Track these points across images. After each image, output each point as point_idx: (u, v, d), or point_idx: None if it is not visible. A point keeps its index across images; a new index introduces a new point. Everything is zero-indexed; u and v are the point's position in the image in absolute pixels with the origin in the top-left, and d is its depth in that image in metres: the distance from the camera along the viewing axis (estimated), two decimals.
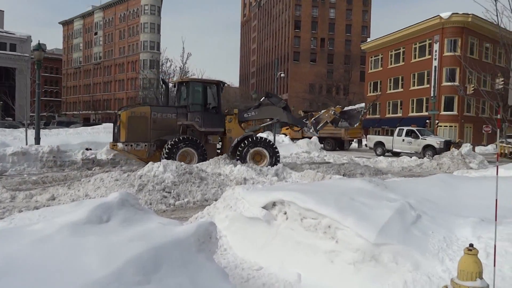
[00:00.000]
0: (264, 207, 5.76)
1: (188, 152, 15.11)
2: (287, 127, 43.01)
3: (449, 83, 46.37)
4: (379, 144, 29.86)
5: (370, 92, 61.04)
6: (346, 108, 18.97)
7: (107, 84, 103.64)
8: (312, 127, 17.64)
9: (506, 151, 27.99)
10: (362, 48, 66.71)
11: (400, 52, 55.60)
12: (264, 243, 5.62)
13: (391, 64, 57.51)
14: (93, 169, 15.65)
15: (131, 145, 15.12)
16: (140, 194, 9.97)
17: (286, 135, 35.64)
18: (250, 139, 16.01)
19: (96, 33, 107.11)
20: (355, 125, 18.96)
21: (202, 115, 15.86)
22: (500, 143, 27.59)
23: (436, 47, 48.24)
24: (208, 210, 6.80)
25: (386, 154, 28.44)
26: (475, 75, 44.56)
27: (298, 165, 18.97)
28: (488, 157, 26.11)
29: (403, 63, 54.89)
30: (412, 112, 51.53)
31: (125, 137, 15.15)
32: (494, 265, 3.78)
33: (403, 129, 27.98)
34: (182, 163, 12.47)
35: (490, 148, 36.72)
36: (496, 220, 4.00)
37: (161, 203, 9.77)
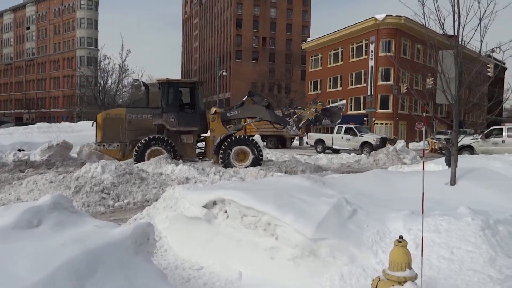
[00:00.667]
0: (204, 206, 5.75)
1: (159, 151, 15.28)
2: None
3: (384, 83, 48.38)
4: (320, 141, 30.57)
5: (310, 91, 62.38)
6: (327, 106, 19.19)
7: (41, 81, 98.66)
8: (294, 125, 17.74)
9: (436, 147, 29.56)
10: (302, 47, 68.00)
11: (338, 52, 57.22)
12: (205, 242, 5.61)
13: (330, 63, 59.05)
14: (26, 171, 14.86)
15: (104, 145, 15.72)
16: (77, 196, 9.62)
17: None
18: (232, 138, 16.10)
19: (28, 28, 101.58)
20: (337, 122, 19.17)
21: (177, 115, 15.92)
22: (431, 139, 29.14)
23: (372, 47, 50.10)
24: (148, 210, 6.68)
25: (327, 151, 29.18)
26: (407, 75, 46.86)
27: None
28: (420, 153, 27.50)
29: (341, 62, 56.53)
30: (351, 110, 53.24)
31: (100, 137, 15.78)
32: (422, 255, 4.00)
33: (342, 126, 28.79)
34: (122, 163, 12.17)
35: (422, 144, 38.67)
36: (423, 212, 4.23)
37: (99, 205, 9.47)
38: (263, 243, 5.06)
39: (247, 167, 15.62)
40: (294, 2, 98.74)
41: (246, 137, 16.43)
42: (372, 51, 50.04)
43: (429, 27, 7.05)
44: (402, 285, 3.60)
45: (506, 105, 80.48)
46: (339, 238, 4.72)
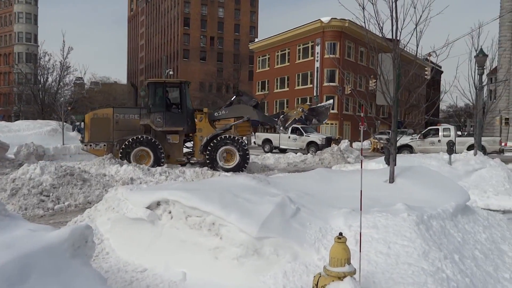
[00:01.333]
0: (148, 207, 5.65)
1: (144, 151, 15.50)
2: None
3: (330, 84, 49.58)
4: (267, 141, 30.87)
5: (258, 91, 62.77)
6: (314, 106, 19.16)
7: None
8: (281, 125, 17.65)
9: (378, 146, 30.65)
10: (250, 48, 68.31)
11: (285, 53, 57.98)
12: (148, 244, 5.52)
13: (277, 64, 59.72)
14: None
15: (90, 145, 15.91)
16: (13, 199, 9.17)
17: None
18: (219, 138, 15.99)
19: None
20: (324, 122, 19.19)
21: (164, 115, 15.90)
22: (373, 139, 30.16)
23: (317, 49, 51.17)
24: (88, 213, 6.47)
25: (274, 150, 29.50)
26: (351, 77, 48.31)
27: (189, 164, 18.87)
28: (363, 152, 28.38)
29: (288, 63, 57.32)
30: None
31: (88, 137, 15.98)
32: (360, 251, 4.14)
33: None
34: (62, 164, 11.75)
35: (366, 143, 40.02)
36: (361, 210, 4.38)
37: (38, 208, 9.09)
38: (207, 243, 5.05)
39: (233, 167, 15.72)
40: (242, 3, 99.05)
41: (234, 137, 16.23)
42: (318, 53, 51.11)
43: (369, 30, 7.31)
44: (342, 280, 3.72)
45: (442, 106, 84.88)
46: (283, 237, 4.79)
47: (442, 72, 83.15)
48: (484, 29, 54.32)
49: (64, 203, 9.56)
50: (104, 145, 15.90)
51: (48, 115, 37.61)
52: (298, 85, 55.45)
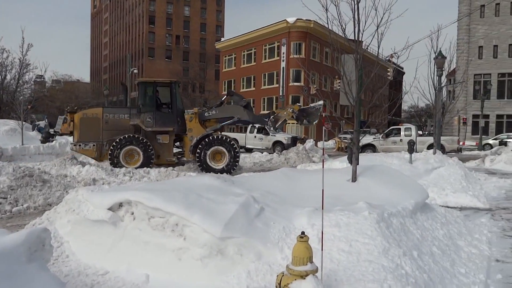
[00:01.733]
0: (110, 209, 5.54)
1: (134, 151, 15.41)
2: None
3: (296, 84, 50.01)
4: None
5: (224, 91, 62.57)
6: (305, 106, 19.05)
7: None
8: (272, 125, 17.55)
9: (342, 146, 31.13)
10: (216, 47, 68.08)
11: (252, 52, 58.10)
12: (110, 246, 5.42)
13: (243, 63, 59.77)
14: None
15: (80, 145, 15.75)
16: None
17: None
18: (210, 138, 15.88)
19: None
20: (314, 123, 19.13)
21: (154, 115, 15.77)
22: (337, 138, 30.64)
23: (283, 49, 51.52)
24: (48, 215, 6.28)
25: (240, 150, 29.46)
26: (317, 77, 48.85)
27: (152, 164, 18.62)
28: (328, 151, 28.85)
29: (254, 63, 57.46)
30: (264, 110, 54.31)
31: (77, 137, 15.82)
32: (322, 249, 4.20)
33: (255, 126, 29.27)
34: (21, 165, 11.39)
35: (331, 143, 40.59)
36: (322, 209, 4.44)
37: None
38: (171, 244, 5.00)
39: (223, 167, 15.64)
40: (208, 2, 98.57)
41: (224, 137, 16.17)
42: (283, 53, 51.45)
43: (333, 31, 7.42)
44: (304, 278, 3.76)
45: (404, 106, 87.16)
46: (247, 236, 4.80)
47: (404, 73, 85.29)
48: (442, 32, 55.96)
49: (22, 205, 9.26)
50: (94, 145, 15.78)
51: (6, 114, 36.29)
52: (264, 85, 55.66)
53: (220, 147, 15.91)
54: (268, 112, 18.02)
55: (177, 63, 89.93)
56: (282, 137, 28.18)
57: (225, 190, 6.11)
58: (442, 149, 23.04)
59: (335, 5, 7.11)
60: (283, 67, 51.30)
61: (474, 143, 42.95)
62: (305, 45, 51.06)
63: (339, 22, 7.24)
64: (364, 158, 11.95)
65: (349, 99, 7.53)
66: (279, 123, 17.62)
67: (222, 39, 67.17)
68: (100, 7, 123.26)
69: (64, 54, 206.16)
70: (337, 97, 27.87)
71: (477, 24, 50.74)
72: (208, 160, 15.73)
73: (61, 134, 35.64)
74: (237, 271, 4.58)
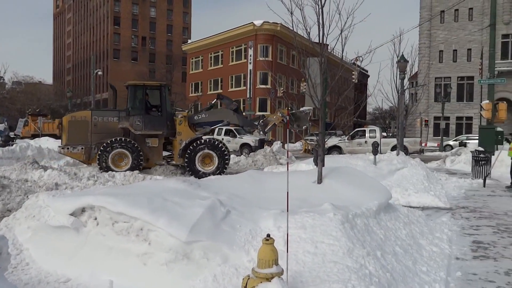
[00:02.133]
0: (72, 214, 5.40)
1: (123, 154, 15.27)
2: None
3: (263, 86, 50.24)
4: None
5: (191, 93, 62.29)
6: (294, 111, 18.89)
7: None
8: (261, 129, 17.36)
9: (309, 147, 31.44)
10: (183, 49, 67.62)
11: (219, 55, 58.03)
12: (73, 252, 5.28)
13: (211, 66, 59.61)
14: None
15: (68, 148, 15.62)
16: None
17: None
18: (198, 142, 15.70)
19: None
20: (304, 127, 18.95)
21: (143, 118, 15.67)
22: (304, 140, 30.93)
23: (250, 52, 51.70)
24: (6, 221, 6.06)
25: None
26: (284, 80, 49.20)
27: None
28: (295, 153, 29.09)
29: (221, 65, 57.41)
30: None
31: (65, 140, 15.74)
32: (287, 251, 4.23)
33: (223, 128, 29.20)
34: None
35: (298, 145, 40.95)
36: (288, 211, 4.47)
37: None
38: (135, 249, 4.92)
39: (212, 171, 15.44)
40: (175, 3, 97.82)
41: (213, 141, 15.98)
42: (250, 56, 51.63)
43: (298, 34, 7.51)
44: (270, 281, 3.77)
45: (369, 108, 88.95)
46: (213, 240, 4.77)
47: (368, 76, 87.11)
48: (404, 36, 57.52)
49: None
50: (82, 148, 15.65)
51: None
52: (232, 87, 55.65)
53: (209, 151, 15.79)
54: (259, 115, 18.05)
55: (143, 65, 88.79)
56: (249, 139, 28.24)
57: (191, 193, 6.06)
58: (405, 150, 23.63)
59: (300, 9, 7.20)
60: (250, 70, 51.46)
61: (435, 144, 44.25)
62: (272, 48, 51.40)
63: (304, 25, 7.33)
64: (330, 160, 12.11)
65: (314, 102, 7.62)
66: (269, 127, 17.66)
67: (189, 41, 66.85)
68: (63, 7, 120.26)
69: (26, 54, 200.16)
70: (303, 99, 28.16)
71: (438, 29, 52.40)
72: (197, 164, 15.62)
73: (22, 138, 34.55)
74: (203, 275, 4.55)
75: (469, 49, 51.20)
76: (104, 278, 4.81)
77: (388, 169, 12.79)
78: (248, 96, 50.63)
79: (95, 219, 5.31)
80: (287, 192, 4.47)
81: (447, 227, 7.89)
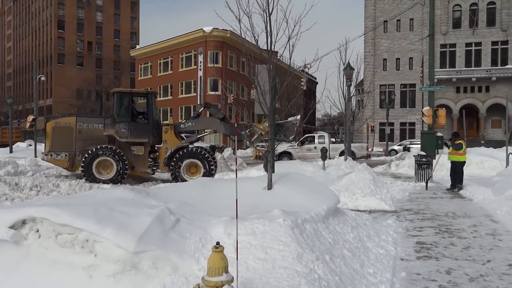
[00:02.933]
0: (12, 227, 5.12)
1: (107, 162, 15.10)
2: None
3: (213, 92, 50.13)
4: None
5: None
6: (280, 121, 18.48)
7: None
8: (247, 139, 17.31)
9: (260, 154, 31.63)
10: (131, 54, 66.32)
11: (168, 61, 57.36)
12: (13, 267, 5.00)
13: (160, 72, 58.80)
14: None
15: (51, 155, 15.44)
16: None
17: None
18: (184, 151, 15.48)
19: None
20: (291, 138, 18.58)
21: (129, 126, 15.51)
22: (256, 146, 31.08)
23: (200, 58, 51.50)
24: None
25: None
26: (234, 86, 49.32)
27: (63, 176, 17.60)
28: (246, 160, 29.18)
29: (171, 71, 56.77)
30: (182, 119, 53.75)
31: (49, 147, 15.59)
32: (237, 259, 4.22)
33: None
34: None
35: (249, 151, 41.10)
36: (237, 217, 4.47)
37: None
38: (80, 262, 4.73)
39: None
40: (122, 8, 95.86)
41: (198, 150, 15.70)
42: (200, 62, 51.43)
43: (247, 41, 7.56)
44: None
45: (318, 115, 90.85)
46: (162, 249, 4.68)
47: (317, 83, 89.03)
48: (350, 45, 59.46)
49: None
50: (66, 155, 15.49)
51: None
52: (182, 94, 55.14)
53: (195, 160, 15.64)
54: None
55: (89, 70, 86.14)
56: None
57: (139, 202, 5.93)
58: (353, 156, 24.29)
59: (248, 17, 7.26)
60: (201, 76, 51.27)
61: (381, 149, 45.85)
62: (222, 54, 51.46)
63: (252, 33, 7.39)
64: (280, 166, 12.26)
65: (263, 109, 7.69)
66: (255, 137, 17.76)
67: (137, 47, 65.67)
68: (2, 9, 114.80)
69: None
70: (253, 106, 28.34)
71: (381, 38, 54.50)
72: (182, 173, 15.47)
73: None
74: (153, 285, 4.45)
75: (411, 58, 53.60)
76: None
77: (337, 174, 13.10)
78: (198, 103, 50.33)
79: (37, 231, 5.07)
80: (236, 200, 4.47)
81: (393, 229, 8.17)
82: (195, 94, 52.25)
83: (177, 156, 15.60)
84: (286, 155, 26.06)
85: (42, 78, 35.52)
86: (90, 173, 14.92)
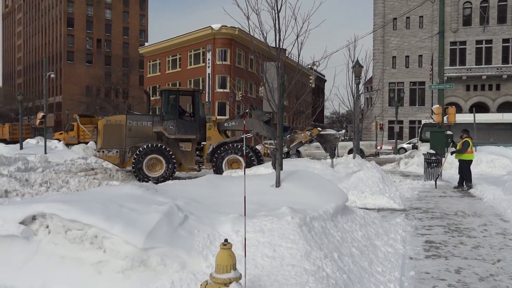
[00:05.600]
0: (22, 223, 5.17)
1: (157, 159, 15.63)
2: (61, 131, 39.80)
3: (221, 90, 50.16)
4: None
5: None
6: (323, 133, 18.54)
7: None
8: (287, 145, 17.39)
9: (268, 151, 31.61)
10: (140, 52, 66.52)
11: (177, 58, 57.45)
12: (23, 262, 5.05)
13: (168, 69, 58.93)
14: None
15: (103, 151, 16.08)
16: None
17: (60, 141, 32.98)
18: (226, 147, 15.82)
19: None
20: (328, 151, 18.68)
21: (177, 123, 16.03)
22: (264, 144, 31.07)
23: (209, 55, 51.51)
24: None
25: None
26: (242, 84, 49.31)
27: (73, 173, 17.74)
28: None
29: (180, 69, 56.86)
30: None
31: (100, 144, 16.21)
32: (245, 256, 4.22)
33: None
34: None
35: (257, 148, 41.03)
36: (245, 215, 4.47)
37: None
38: (89, 258, 4.76)
39: None
40: (131, 5, 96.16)
41: (240, 146, 15.96)
42: (209, 59, 51.44)
43: (256, 38, 7.54)
44: (228, 286, 3.75)
45: (327, 112, 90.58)
46: (170, 246, 4.69)
47: (325, 80, 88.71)
48: (359, 42, 59.17)
49: None
50: (117, 151, 16.05)
51: None
52: None
53: (236, 156, 15.96)
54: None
55: (98, 67, 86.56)
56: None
57: (148, 199, 5.95)
58: (362, 154, 24.19)
59: (257, 14, 7.24)
60: (209, 74, 51.29)
61: (390, 147, 45.60)
62: (230, 51, 51.43)
63: (261, 30, 7.38)
64: (288, 164, 12.22)
65: (272, 106, 7.68)
66: (294, 143, 17.94)
67: (146, 44, 65.85)
68: (12, 7, 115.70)
69: None
70: (261, 103, 28.33)
71: (391, 35, 54.13)
72: (224, 168, 15.72)
73: None
74: (161, 282, 4.47)
75: (420, 55, 53.20)
76: None
77: (345, 172, 13.04)
78: (206, 100, 50.40)
79: (47, 227, 5.11)
80: (244, 197, 4.47)
81: (401, 228, 8.13)
82: (203, 91, 52.33)
83: (219, 152, 15.96)
84: (295, 153, 25.99)
85: (52, 76, 35.76)
86: (141, 170, 15.45)
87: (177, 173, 18.99)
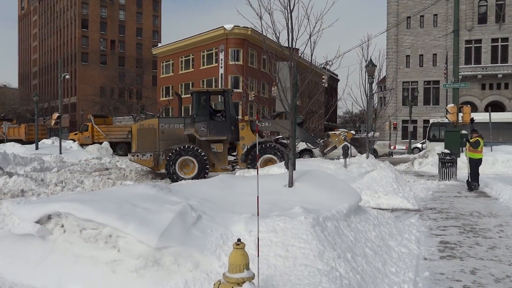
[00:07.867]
0: (38, 222, 5.26)
1: (189, 161, 15.70)
2: (76, 132, 40.21)
3: (234, 90, 50.15)
4: None
5: (162, 97, 61.65)
6: (357, 136, 18.57)
7: None
8: (321, 150, 17.49)
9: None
10: (153, 52, 66.88)
11: (190, 58, 57.65)
12: (39, 261, 5.13)
13: (181, 70, 59.15)
14: None
15: (138, 155, 16.23)
16: None
17: (75, 141, 33.34)
18: (261, 146, 16.00)
19: None
20: (363, 154, 18.80)
21: (208, 124, 16.06)
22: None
23: (221, 56, 51.60)
24: None
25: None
26: (255, 84, 49.32)
27: (87, 172, 17.94)
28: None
29: (193, 69, 57.06)
30: None
31: (135, 148, 16.49)
32: (258, 256, 4.22)
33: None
34: None
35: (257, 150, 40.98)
36: (258, 215, 4.47)
37: None
38: (104, 257, 4.82)
39: None
40: (144, 6, 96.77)
41: (273, 145, 16.04)
42: (221, 60, 51.52)
43: (268, 38, 7.54)
44: (241, 286, 3.76)
45: (340, 112, 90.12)
46: (183, 245, 4.72)
47: (338, 80, 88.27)
48: (372, 41, 58.80)
49: None
50: (151, 155, 16.19)
51: None
52: None
53: (271, 156, 16.08)
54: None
55: (112, 68, 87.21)
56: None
57: (161, 198, 5.99)
58: (375, 153, 24.01)
59: (269, 14, 7.23)
60: (222, 74, 51.37)
61: (404, 147, 45.19)
62: (243, 51, 51.46)
63: (273, 30, 7.37)
64: (301, 163, 12.19)
65: (285, 106, 7.67)
66: (328, 148, 17.84)
67: (159, 45, 66.17)
68: (28, 9, 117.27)
69: None
70: (274, 103, 28.30)
71: (404, 34, 53.63)
72: (259, 167, 15.70)
73: None
74: (174, 281, 4.49)
75: (435, 54, 52.61)
76: (72, 287, 4.70)
77: (358, 172, 12.96)
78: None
79: (62, 226, 5.18)
80: (257, 196, 4.46)
81: (416, 228, 8.05)
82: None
83: (254, 152, 16.04)
84: (307, 152, 25.90)
85: (67, 77, 36.14)
86: (174, 172, 15.56)
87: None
